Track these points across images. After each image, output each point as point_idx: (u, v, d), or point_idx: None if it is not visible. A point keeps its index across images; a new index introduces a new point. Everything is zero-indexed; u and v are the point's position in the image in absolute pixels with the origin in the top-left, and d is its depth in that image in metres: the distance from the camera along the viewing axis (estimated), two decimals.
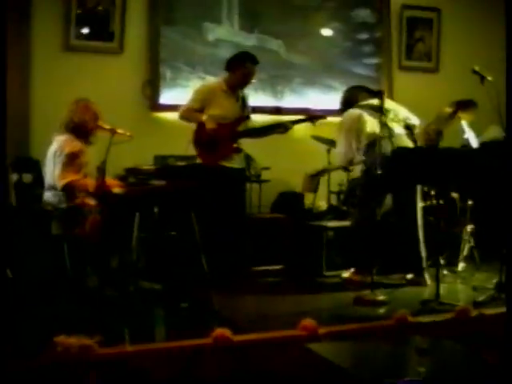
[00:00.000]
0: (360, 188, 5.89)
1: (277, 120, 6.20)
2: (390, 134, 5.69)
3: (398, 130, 5.82)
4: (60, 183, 5.05)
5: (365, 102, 5.94)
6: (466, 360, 3.52)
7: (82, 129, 5.25)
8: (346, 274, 5.88)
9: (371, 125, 5.74)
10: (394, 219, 5.84)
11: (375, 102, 5.87)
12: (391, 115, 5.84)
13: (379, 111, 5.57)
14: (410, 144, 5.83)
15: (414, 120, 5.99)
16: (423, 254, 5.69)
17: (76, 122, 5.23)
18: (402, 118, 5.92)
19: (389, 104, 5.92)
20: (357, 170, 6.39)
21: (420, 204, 5.75)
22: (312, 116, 6.23)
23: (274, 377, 3.55)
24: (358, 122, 5.79)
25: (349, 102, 6.03)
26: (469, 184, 5.63)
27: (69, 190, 5.04)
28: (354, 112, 5.88)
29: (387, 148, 5.50)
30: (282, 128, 6.06)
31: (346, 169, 6.31)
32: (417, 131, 5.94)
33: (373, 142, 5.66)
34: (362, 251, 5.60)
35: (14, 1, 6.06)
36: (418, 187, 5.73)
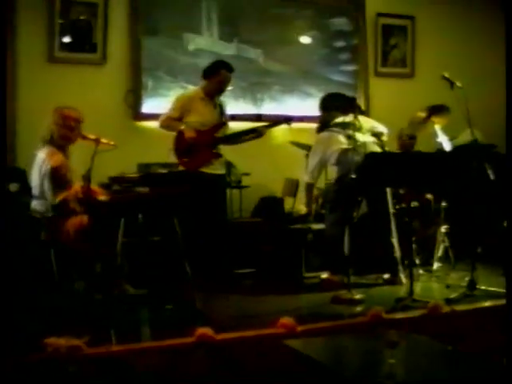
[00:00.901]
0: (333, 193, 6.04)
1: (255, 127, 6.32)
2: (356, 143, 5.87)
3: (365, 138, 5.96)
4: (54, 201, 5.15)
5: (336, 121, 6.14)
6: (436, 352, 3.67)
7: (61, 138, 5.31)
8: (324, 275, 6.04)
9: (340, 141, 5.97)
10: (370, 222, 6.01)
11: (344, 119, 6.08)
12: (354, 127, 6.01)
13: (347, 126, 5.86)
14: (377, 150, 6.00)
15: (381, 128, 6.18)
16: (398, 254, 5.87)
17: (54, 132, 5.30)
18: (368, 129, 6.08)
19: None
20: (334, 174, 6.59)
21: (391, 207, 5.94)
22: (279, 120, 6.41)
23: (254, 372, 3.70)
24: (327, 143, 6.03)
25: (324, 124, 6.24)
26: (441, 186, 5.82)
27: (64, 205, 5.14)
28: (324, 135, 6.12)
29: (355, 157, 5.67)
30: (255, 133, 6.22)
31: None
32: (384, 138, 6.12)
33: (343, 152, 5.87)
34: (336, 253, 5.76)
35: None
36: (388, 191, 5.91)
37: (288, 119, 6.34)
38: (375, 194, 5.89)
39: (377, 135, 6.09)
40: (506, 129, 5.01)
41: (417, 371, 3.36)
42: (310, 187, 6.17)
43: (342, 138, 5.98)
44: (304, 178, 6.27)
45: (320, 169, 6.12)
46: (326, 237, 6.05)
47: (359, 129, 5.90)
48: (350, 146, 5.80)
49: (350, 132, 5.78)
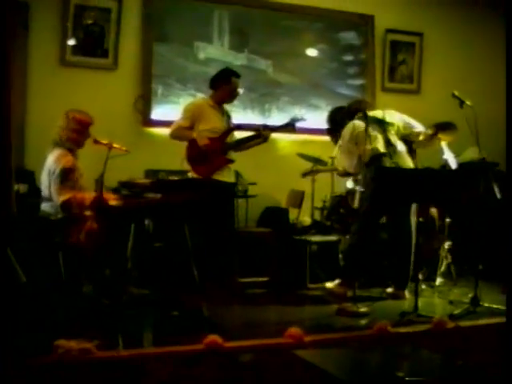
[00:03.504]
0: (364, 203, 5.89)
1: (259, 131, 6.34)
2: (393, 150, 5.92)
3: (401, 147, 6.00)
4: (58, 201, 5.19)
5: (370, 114, 6.06)
6: (441, 366, 3.72)
7: (71, 141, 5.38)
8: (329, 285, 6.08)
9: (374, 139, 5.91)
10: (388, 234, 6.03)
11: (378, 114, 6.10)
12: (393, 129, 6.06)
13: (381, 124, 5.87)
14: (410, 162, 6.00)
15: (418, 128, 6.14)
16: (411, 269, 5.85)
17: (65, 135, 5.36)
18: (403, 129, 6.09)
19: (391, 116, 6.13)
20: (341, 187, 6.65)
21: (414, 220, 5.84)
22: (284, 124, 6.33)
23: (263, 381, 3.73)
24: (362, 136, 5.88)
25: (352, 112, 6.18)
26: (446, 203, 5.87)
27: (67, 206, 5.18)
28: (355, 123, 6.00)
29: (387, 165, 5.74)
30: (261, 138, 6.22)
31: (348, 174, 6.33)
32: (421, 138, 6.08)
33: (374, 158, 5.85)
34: (356, 266, 5.80)
35: (13, 16, 6.22)
36: (413, 206, 5.84)
37: (292, 123, 6.30)
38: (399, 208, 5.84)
39: (408, 143, 6.10)
40: (506, 130, 5.04)
41: None
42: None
43: (377, 136, 5.95)
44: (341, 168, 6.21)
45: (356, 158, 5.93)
46: (351, 249, 5.98)
47: (396, 132, 5.95)
48: (385, 151, 5.86)
49: (388, 134, 5.85)
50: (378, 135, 5.96)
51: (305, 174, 6.86)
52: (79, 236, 5.09)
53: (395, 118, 6.15)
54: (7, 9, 4.14)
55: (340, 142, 6.33)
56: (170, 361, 3.95)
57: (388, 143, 5.94)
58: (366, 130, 5.71)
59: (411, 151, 6.40)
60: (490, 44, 8.70)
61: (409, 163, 5.99)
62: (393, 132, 6.02)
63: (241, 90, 6.42)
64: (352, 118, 6.07)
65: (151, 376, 3.78)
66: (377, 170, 5.66)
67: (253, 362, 4.00)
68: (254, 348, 4.21)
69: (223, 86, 6.13)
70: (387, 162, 5.84)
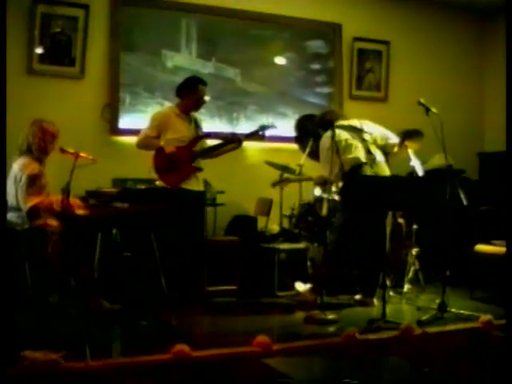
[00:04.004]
0: (344, 212, 5.98)
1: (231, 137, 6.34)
2: (373, 160, 5.95)
3: (379, 157, 6.04)
4: (25, 207, 5.17)
5: (345, 123, 6.15)
6: (409, 373, 3.74)
7: (38, 150, 5.39)
8: (300, 287, 6.10)
9: (355, 148, 5.96)
10: (360, 242, 6.01)
11: (355, 123, 6.14)
12: (370, 139, 6.09)
13: (360, 133, 5.96)
14: (388, 172, 6.05)
15: (394, 139, 6.18)
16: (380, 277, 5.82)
17: (32, 143, 5.36)
18: (379, 140, 6.14)
19: (368, 126, 6.18)
20: (310, 195, 6.66)
21: (388, 229, 5.78)
22: (257, 129, 6.30)
23: None
24: (339, 141, 5.93)
25: (327, 122, 6.17)
26: (414, 209, 5.91)
27: (34, 213, 5.15)
28: (336, 132, 5.91)
29: (368, 174, 5.80)
30: (235, 143, 6.21)
31: (324, 183, 6.36)
32: (395, 150, 6.14)
33: (355, 167, 5.88)
34: (330, 274, 5.82)
35: None
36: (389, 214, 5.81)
37: (264, 128, 6.26)
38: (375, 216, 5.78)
39: (386, 153, 6.13)
40: (506, 129, 5.08)
41: None
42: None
43: (358, 144, 6.00)
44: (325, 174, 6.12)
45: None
46: (327, 256, 5.98)
47: (372, 142, 5.98)
48: (366, 161, 5.89)
49: (368, 143, 5.92)
50: (359, 144, 5.99)
51: (274, 184, 6.86)
52: (45, 246, 5.06)
53: (372, 128, 6.19)
54: None
55: (308, 149, 6.36)
56: (137, 371, 3.93)
57: (368, 152, 5.97)
58: (333, 137, 5.74)
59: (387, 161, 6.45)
60: (455, 52, 8.82)
61: (388, 173, 6.04)
62: (371, 142, 6.06)
63: (207, 98, 6.40)
64: (327, 129, 6.05)
65: None
66: (356, 179, 5.68)
67: (218, 370, 4.00)
68: (221, 357, 4.19)
69: (190, 94, 6.11)
70: (368, 171, 5.87)
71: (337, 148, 5.83)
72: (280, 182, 6.88)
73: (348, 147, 5.96)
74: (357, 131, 6.08)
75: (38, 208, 5.16)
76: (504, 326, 4.07)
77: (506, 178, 5.01)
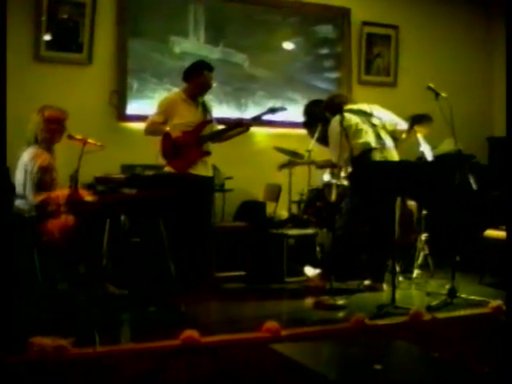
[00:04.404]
0: (352, 197, 5.96)
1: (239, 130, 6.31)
2: (383, 145, 5.93)
3: (389, 142, 6.01)
4: (34, 201, 5.16)
5: (355, 107, 6.12)
6: (419, 359, 3.72)
7: (44, 140, 5.36)
8: (309, 272, 6.10)
9: (365, 133, 5.94)
10: (369, 227, 5.99)
11: (365, 108, 6.10)
12: (380, 124, 6.06)
13: (369, 117, 5.94)
14: (397, 157, 6.02)
15: (402, 125, 6.15)
16: (389, 262, 5.81)
17: (38, 134, 5.34)
18: (388, 126, 6.11)
19: (377, 111, 6.15)
20: (318, 180, 6.64)
21: (397, 214, 5.80)
22: (265, 111, 6.23)
23: (240, 375, 3.73)
24: (349, 126, 5.90)
25: (335, 106, 6.12)
26: (424, 194, 5.88)
27: (42, 207, 5.14)
28: (345, 116, 5.86)
29: (377, 159, 5.79)
30: (243, 126, 6.19)
31: (330, 166, 6.35)
32: (403, 136, 6.12)
33: (365, 152, 5.86)
34: (339, 260, 5.81)
35: None
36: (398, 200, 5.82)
37: (273, 110, 6.22)
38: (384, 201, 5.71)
39: (396, 139, 6.11)
40: (506, 129, 5.06)
41: (402, 377, 3.40)
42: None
43: (368, 129, 5.97)
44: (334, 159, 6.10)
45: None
46: (336, 242, 5.97)
47: (382, 127, 5.96)
48: (376, 146, 5.87)
49: (377, 128, 5.91)
50: (369, 129, 5.96)
51: (281, 167, 6.84)
52: (54, 233, 5.05)
53: (381, 113, 6.15)
54: None
55: (317, 134, 6.35)
56: (146, 357, 3.93)
57: (378, 137, 5.94)
58: (342, 121, 5.70)
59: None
60: (465, 36, 8.76)
61: (397, 158, 6.01)
62: (381, 127, 6.02)
63: (214, 85, 6.37)
64: (336, 112, 5.99)
65: (128, 372, 3.77)
66: (366, 164, 5.65)
67: (227, 356, 4.00)
68: (230, 343, 4.20)
69: (194, 78, 6.08)
70: (377, 157, 5.85)
71: (346, 133, 5.77)
72: (286, 165, 6.84)
73: (358, 132, 5.92)
74: (366, 115, 6.05)
75: (46, 203, 5.14)
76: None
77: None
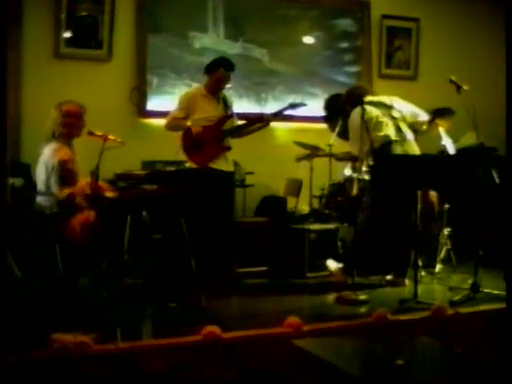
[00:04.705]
0: (372, 191, 5.90)
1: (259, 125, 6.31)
2: (403, 138, 5.89)
3: (409, 135, 5.97)
4: (60, 196, 5.17)
5: (375, 99, 6.09)
6: (441, 354, 3.71)
7: (62, 135, 5.36)
8: (332, 266, 6.09)
9: (386, 125, 5.90)
10: (391, 222, 5.91)
11: (385, 100, 6.06)
12: (400, 116, 6.02)
13: (389, 110, 5.90)
14: (418, 150, 5.99)
15: (423, 116, 6.10)
16: (411, 257, 5.74)
17: (56, 129, 5.34)
18: (409, 117, 6.06)
19: (398, 103, 6.10)
20: (339, 175, 6.61)
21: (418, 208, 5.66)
22: (285, 107, 6.28)
23: (262, 371, 3.72)
24: (370, 118, 5.87)
25: (356, 98, 6.07)
26: (446, 188, 5.83)
27: (70, 200, 5.15)
28: (366, 108, 5.85)
29: (398, 152, 5.75)
30: (263, 122, 6.22)
31: (353, 158, 6.32)
32: (424, 128, 6.08)
33: (385, 145, 5.83)
34: (361, 255, 5.78)
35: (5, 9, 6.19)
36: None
37: (294, 106, 6.27)
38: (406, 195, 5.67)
39: (416, 131, 6.06)
40: (506, 128, 5.01)
41: (424, 373, 3.39)
42: None
43: (388, 121, 5.94)
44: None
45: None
46: (359, 237, 5.90)
47: (402, 119, 5.91)
48: (396, 139, 5.83)
49: (398, 121, 5.86)
50: (389, 122, 5.93)
51: (299, 159, 6.81)
52: (75, 229, 5.07)
53: (401, 105, 6.11)
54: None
55: (337, 128, 6.32)
56: (167, 352, 3.94)
57: (398, 130, 5.91)
58: (363, 114, 5.67)
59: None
60: (486, 29, 8.66)
61: (417, 151, 5.96)
62: (401, 119, 5.99)
63: (229, 84, 6.42)
64: (356, 104, 5.97)
65: (149, 368, 3.77)
66: (386, 157, 5.62)
67: (249, 351, 3.99)
68: (252, 338, 4.19)
69: (212, 74, 6.12)
70: (398, 150, 5.81)
71: (366, 125, 5.73)
72: (304, 158, 6.81)
73: (378, 124, 5.89)
74: (387, 108, 6.01)
75: (73, 195, 5.15)
76: None
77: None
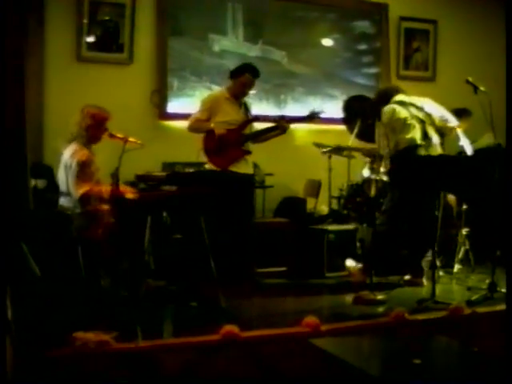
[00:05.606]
0: (394, 192, 5.94)
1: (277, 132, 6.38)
2: (428, 143, 5.88)
3: (435, 139, 5.94)
4: (77, 194, 5.23)
5: (407, 99, 6.08)
6: (458, 353, 3.73)
7: (86, 137, 5.40)
8: (351, 265, 6.13)
9: (413, 128, 5.88)
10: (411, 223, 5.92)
11: (416, 101, 6.05)
12: (428, 120, 5.99)
13: (419, 112, 5.88)
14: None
15: (452, 122, 6.07)
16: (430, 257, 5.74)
17: (80, 131, 5.40)
18: (438, 121, 6.02)
19: (429, 106, 6.07)
20: (358, 175, 6.64)
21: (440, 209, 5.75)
22: (304, 117, 6.39)
23: (280, 370, 3.76)
24: (398, 119, 5.89)
25: (389, 95, 6.13)
26: (463, 189, 5.84)
27: (85, 199, 5.22)
28: (395, 109, 5.92)
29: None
30: (279, 129, 6.27)
31: (380, 158, 6.24)
32: (453, 133, 6.08)
33: (410, 148, 5.82)
34: (381, 255, 5.82)
35: (29, 13, 6.29)
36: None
37: (313, 115, 6.32)
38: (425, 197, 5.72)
39: (443, 136, 6.05)
40: (506, 129, 5.02)
41: (442, 372, 3.41)
42: None
43: (416, 124, 5.91)
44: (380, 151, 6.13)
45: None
46: (383, 238, 5.92)
47: (430, 123, 5.93)
48: (422, 143, 5.85)
49: (426, 125, 5.86)
50: (417, 125, 5.91)
51: (325, 151, 6.83)
52: (97, 230, 5.14)
53: (432, 108, 6.08)
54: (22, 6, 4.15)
55: (356, 130, 6.35)
56: (187, 351, 3.98)
57: (425, 134, 5.90)
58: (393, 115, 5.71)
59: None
60: (503, 30, 8.63)
61: None
62: (429, 123, 5.98)
63: (252, 91, 6.49)
64: (388, 102, 6.02)
65: (168, 366, 3.82)
66: (405, 159, 5.64)
67: (268, 351, 4.03)
68: (270, 337, 4.23)
69: (236, 78, 6.17)
70: (422, 154, 5.81)
71: (394, 126, 5.80)
72: (331, 151, 6.84)
73: (406, 126, 5.88)
74: (417, 110, 5.98)
75: (89, 195, 5.22)
76: None
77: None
